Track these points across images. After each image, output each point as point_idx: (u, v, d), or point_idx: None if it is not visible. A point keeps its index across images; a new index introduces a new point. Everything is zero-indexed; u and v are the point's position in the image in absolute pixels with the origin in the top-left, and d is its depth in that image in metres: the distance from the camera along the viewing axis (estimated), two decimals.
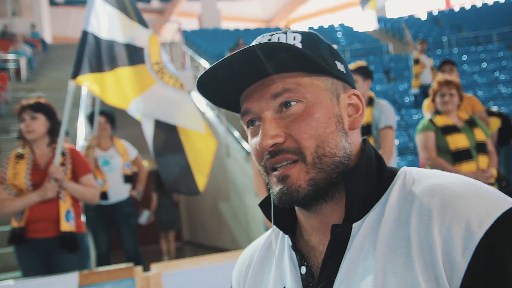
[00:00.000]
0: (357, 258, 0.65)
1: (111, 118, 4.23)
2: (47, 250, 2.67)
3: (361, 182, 0.69)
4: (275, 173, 0.69)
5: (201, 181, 2.88)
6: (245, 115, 0.73)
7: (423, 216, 0.60)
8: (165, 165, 2.92)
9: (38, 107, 2.77)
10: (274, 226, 0.80)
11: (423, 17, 16.85)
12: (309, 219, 0.74)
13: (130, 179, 4.25)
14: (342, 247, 0.67)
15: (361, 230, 0.66)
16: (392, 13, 20.44)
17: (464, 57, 11.32)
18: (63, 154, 2.77)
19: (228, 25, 21.03)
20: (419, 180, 0.66)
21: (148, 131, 2.95)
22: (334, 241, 0.68)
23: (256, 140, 0.72)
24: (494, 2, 16.80)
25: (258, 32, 16.94)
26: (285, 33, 0.73)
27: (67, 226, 2.63)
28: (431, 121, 3.23)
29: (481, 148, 3.11)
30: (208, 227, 8.97)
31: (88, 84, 2.71)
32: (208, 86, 0.73)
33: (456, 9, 17.74)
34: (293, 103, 0.69)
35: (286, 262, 0.77)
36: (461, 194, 0.59)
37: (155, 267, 2.27)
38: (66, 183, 2.67)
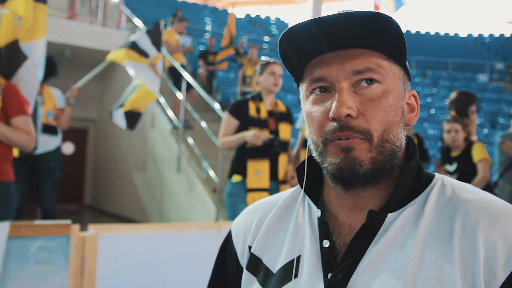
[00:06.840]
0: (389, 247, 0.68)
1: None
2: None
3: (410, 177, 0.73)
4: (340, 141, 0.69)
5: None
6: (316, 81, 0.73)
7: (469, 225, 0.65)
8: None
9: None
10: (302, 194, 0.83)
11: None
12: (343, 198, 0.75)
13: (52, 129, 3.95)
14: (373, 233, 0.70)
15: (396, 222, 0.70)
16: None
17: None
18: None
19: None
20: (459, 190, 0.71)
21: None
22: (367, 226, 0.71)
23: (318, 108, 0.73)
24: (416, 32, 18.18)
25: (195, 7, 16.55)
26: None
27: None
28: None
29: None
30: (116, 195, 8.66)
31: (15, 8, 2.49)
32: (286, 43, 0.73)
33: None
34: (373, 82, 0.70)
35: (306, 231, 0.78)
36: (509, 211, 0.66)
37: (92, 228, 2.18)
38: None
